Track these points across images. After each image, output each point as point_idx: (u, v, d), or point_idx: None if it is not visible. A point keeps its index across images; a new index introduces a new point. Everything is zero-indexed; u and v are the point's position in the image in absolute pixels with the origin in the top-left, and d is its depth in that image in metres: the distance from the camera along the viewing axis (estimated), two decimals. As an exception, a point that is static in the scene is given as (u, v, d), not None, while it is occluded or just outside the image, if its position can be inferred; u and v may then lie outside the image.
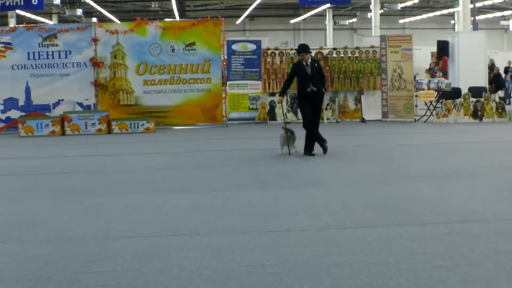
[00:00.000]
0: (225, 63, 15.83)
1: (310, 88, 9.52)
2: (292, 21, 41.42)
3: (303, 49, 9.74)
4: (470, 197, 6.29)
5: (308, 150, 9.57)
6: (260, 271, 4.03)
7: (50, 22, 31.24)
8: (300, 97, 9.72)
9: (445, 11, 36.41)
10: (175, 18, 33.27)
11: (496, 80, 21.08)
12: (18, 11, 24.45)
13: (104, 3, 33.10)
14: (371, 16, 32.46)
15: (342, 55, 15.93)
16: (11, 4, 16.82)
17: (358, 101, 15.98)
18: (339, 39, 36.56)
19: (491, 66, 21.78)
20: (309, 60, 9.71)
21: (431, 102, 16.07)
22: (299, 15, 39.43)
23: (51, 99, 15.06)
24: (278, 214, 5.65)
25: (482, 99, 15.17)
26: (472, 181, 7.27)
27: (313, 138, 9.60)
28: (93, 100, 15.14)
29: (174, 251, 4.53)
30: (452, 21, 34.03)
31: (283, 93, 10.06)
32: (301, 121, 9.99)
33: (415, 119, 15.56)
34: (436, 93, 16.36)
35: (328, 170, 8.35)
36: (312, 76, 9.54)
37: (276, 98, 15.67)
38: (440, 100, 16.30)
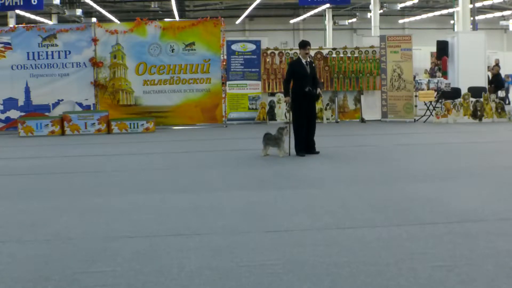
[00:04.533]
0: (224, 63, 15.84)
1: (307, 87, 9.57)
2: (291, 21, 41.43)
3: (308, 43, 9.83)
4: (470, 197, 6.29)
5: (300, 150, 9.55)
6: (260, 271, 4.03)
7: (50, 22, 31.24)
8: (296, 96, 9.63)
9: (444, 11, 36.43)
10: (175, 18, 33.27)
11: (496, 80, 21.07)
12: (17, 11, 24.45)
13: (104, 3, 33.10)
14: (370, 16, 32.49)
15: (341, 55, 15.93)
16: (11, 4, 16.81)
17: (357, 101, 15.98)
18: (339, 39, 36.58)
19: (495, 66, 21.76)
20: (308, 59, 9.74)
21: (430, 102, 16.07)
22: (298, 15, 39.44)
23: (50, 99, 15.05)
24: (278, 214, 5.65)
25: (481, 99, 15.17)
26: (472, 181, 7.28)
27: (304, 139, 9.60)
28: (93, 100, 15.14)
29: (174, 251, 4.53)
30: (452, 21, 34.06)
31: (287, 93, 9.80)
32: None
33: (414, 119, 15.57)
34: (436, 93, 16.37)
35: (328, 170, 8.35)
36: (310, 75, 9.65)
37: (276, 98, 15.70)
38: (440, 100, 16.29)
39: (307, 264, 4.15)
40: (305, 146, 9.62)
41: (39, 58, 14.96)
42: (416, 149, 10.53)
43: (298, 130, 9.57)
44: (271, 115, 15.75)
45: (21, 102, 15.03)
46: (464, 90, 16.47)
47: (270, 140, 9.56)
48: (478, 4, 29.21)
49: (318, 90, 9.91)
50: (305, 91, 9.51)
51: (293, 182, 7.45)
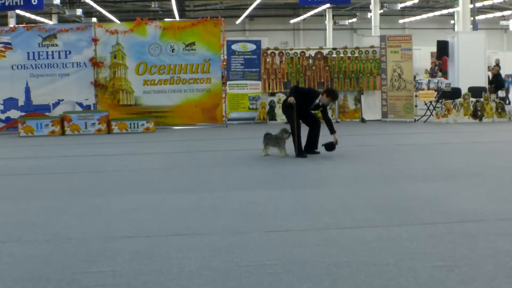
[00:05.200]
0: (225, 63, 15.84)
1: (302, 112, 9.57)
2: (292, 21, 41.44)
3: (336, 98, 10.28)
4: (470, 197, 6.29)
5: (301, 152, 9.52)
6: (260, 271, 4.03)
7: (50, 22, 31.25)
8: (290, 103, 9.51)
9: (445, 11, 36.43)
10: (175, 18, 33.28)
11: (496, 80, 21.08)
12: (18, 11, 24.46)
13: (104, 3, 33.11)
14: (371, 16, 32.48)
15: (342, 55, 15.93)
16: (11, 4, 16.81)
17: (358, 101, 15.99)
18: (339, 39, 36.59)
19: (495, 66, 21.77)
20: (321, 103, 9.63)
21: (430, 102, 16.08)
22: (299, 15, 39.45)
23: (50, 99, 15.05)
24: (278, 214, 5.65)
25: (482, 99, 15.17)
26: (472, 181, 7.27)
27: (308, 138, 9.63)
28: (93, 100, 15.14)
29: (174, 251, 4.53)
30: (452, 21, 34.07)
31: (292, 95, 9.53)
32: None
33: (414, 119, 15.57)
34: (436, 93, 16.37)
35: (328, 170, 8.35)
36: (308, 109, 9.73)
37: (276, 98, 15.68)
38: (440, 100, 16.30)
39: (307, 264, 4.15)
40: (307, 145, 9.64)
41: (39, 58, 14.96)
42: (416, 149, 10.53)
43: (299, 132, 9.54)
44: (271, 115, 15.75)
45: (21, 102, 15.03)
46: (464, 90, 16.47)
47: (271, 140, 9.55)
48: (478, 4, 29.21)
49: (336, 137, 9.58)
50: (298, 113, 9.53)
51: (293, 182, 7.44)
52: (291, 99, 9.44)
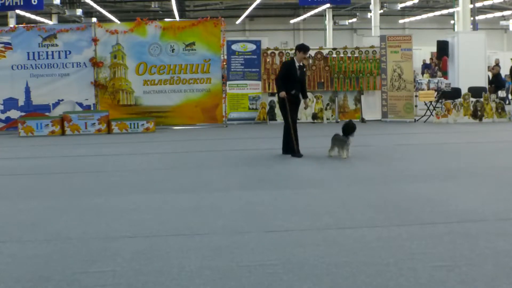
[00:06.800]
0: (225, 63, 15.84)
1: (294, 90, 9.53)
2: (292, 21, 41.43)
3: (308, 49, 9.77)
4: (470, 197, 6.29)
5: (295, 151, 9.51)
6: (260, 271, 4.03)
7: (50, 22, 31.24)
8: (283, 98, 9.50)
9: (445, 11, 36.43)
10: (175, 18, 33.27)
11: (496, 80, 21.07)
12: (18, 11, 24.45)
13: (104, 3, 33.10)
14: (371, 16, 32.47)
15: (342, 55, 15.93)
16: (11, 4, 16.81)
17: (358, 101, 15.99)
18: (339, 39, 36.59)
19: (496, 66, 21.77)
20: (301, 63, 9.68)
21: (431, 102, 16.08)
22: (299, 15, 39.45)
23: (50, 99, 15.05)
24: (278, 214, 5.65)
25: (481, 99, 15.17)
26: (472, 181, 7.28)
27: (296, 138, 9.56)
28: (93, 100, 15.14)
29: (174, 251, 4.53)
30: (452, 21, 34.07)
31: (282, 89, 9.50)
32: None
33: (415, 119, 15.57)
34: (436, 93, 16.37)
35: (328, 170, 8.35)
36: (298, 80, 9.60)
37: (276, 98, 15.66)
38: (440, 100, 16.31)
39: (307, 264, 4.15)
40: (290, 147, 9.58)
41: (39, 58, 14.97)
42: (416, 149, 10.53)
43: (291, 131, 9.49)
44: (271, 115, 15.75)
45: (21, 102, 15.03)
46: (464, 90, 16.48)
47: (338, 141, 9.40)
48: (478, 4, 29.20)
49: (308, 98, 9.89)
50: (291, 93, 9.48)
51: (293, 182, 7.44)
52: (283, 94, 9.40)
